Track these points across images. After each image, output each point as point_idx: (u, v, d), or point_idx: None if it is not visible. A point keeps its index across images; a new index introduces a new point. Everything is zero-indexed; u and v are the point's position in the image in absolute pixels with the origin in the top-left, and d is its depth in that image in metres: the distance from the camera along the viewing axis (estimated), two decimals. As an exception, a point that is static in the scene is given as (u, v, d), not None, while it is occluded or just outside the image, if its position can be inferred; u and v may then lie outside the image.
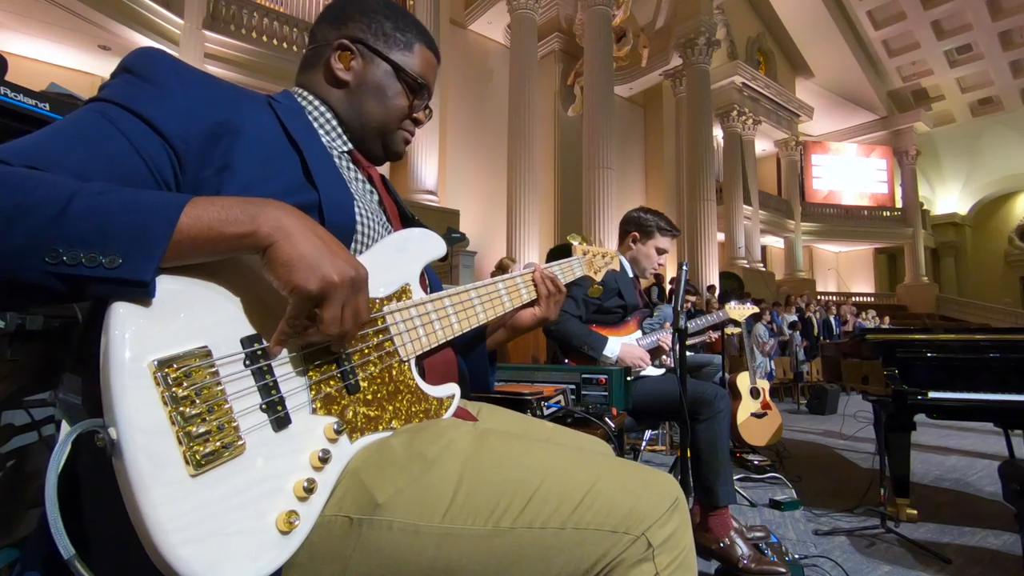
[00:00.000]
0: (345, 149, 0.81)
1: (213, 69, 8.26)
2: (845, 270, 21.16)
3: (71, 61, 7.89)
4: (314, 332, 0.55)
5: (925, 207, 19.95)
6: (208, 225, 0.49)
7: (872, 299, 18.00)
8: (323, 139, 0.77)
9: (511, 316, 0.98)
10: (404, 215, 0.88)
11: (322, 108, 0.80)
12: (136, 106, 0.57)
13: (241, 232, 0.51)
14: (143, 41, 7.52)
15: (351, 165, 0.82)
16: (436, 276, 0.90)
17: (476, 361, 0.96)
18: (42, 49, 7.73)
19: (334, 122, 0.80)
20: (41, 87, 1.21)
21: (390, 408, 0.66)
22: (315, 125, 0.77)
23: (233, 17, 8.70)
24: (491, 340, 1.01)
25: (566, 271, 1.06)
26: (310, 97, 0.80)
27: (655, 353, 2.13)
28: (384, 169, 9.37)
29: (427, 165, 10.25)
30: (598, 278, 1.18)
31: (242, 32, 8.67)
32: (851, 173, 19.40)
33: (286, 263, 0.51)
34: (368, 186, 0.83)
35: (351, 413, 0.61)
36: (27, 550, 0.56)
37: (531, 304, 0.97)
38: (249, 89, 0.72)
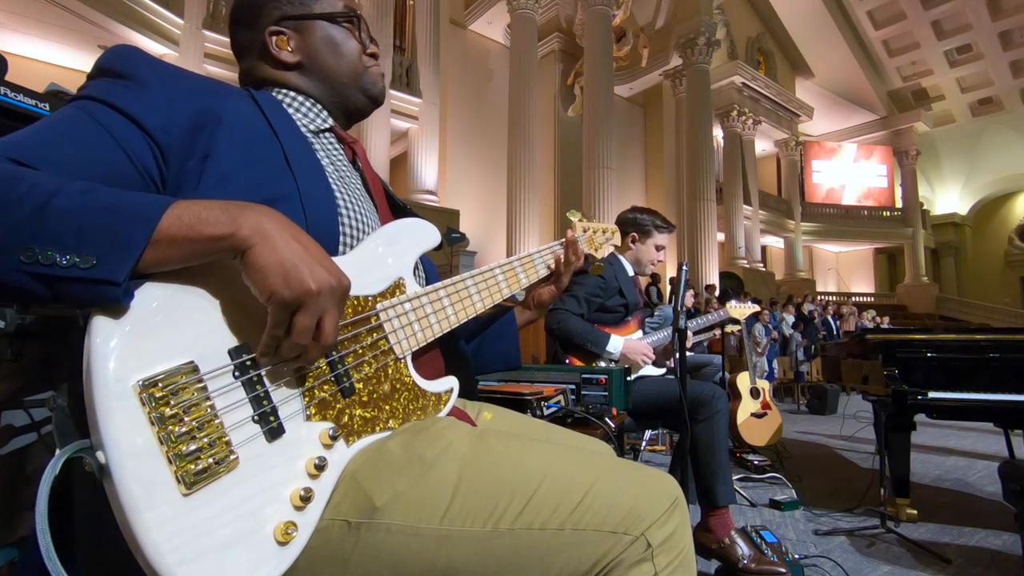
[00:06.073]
0: (327, 126, 0.80)
1: (213, 69, 8.26)
2: (845, 270, 21.15)
3: (71, 61, 7.89)
4: (287, 344, 0.52)
5: (925, 207, 19.94)
6: (188, 224, 0.48)
7: (872, 299, 17.97)
8: (304, 123, 0.77)
9: (533, 293, 1.05)
10: (389, 194, 0.88)
11: (293, 94, 0.80)
12: (117, 101, 0.57)
13: (220, 233, 0.49)
14: (143, 41, 7.52)
15: (334, 143, 0.81)
16: (433, 265, 0.89)
17: (505, 328, 1.04)
18: (42, 49, 7.73)
19: (308, 103, 0.80)
20: (41, 87, 1.21)
21: (387, 408, 0.65)
22: (290, 111, 0.77)
23: (233, 17, 8.69)
24: (520, 320, 1.07)
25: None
26: (281, 89, 0.80)
27: (666, 353, 2.11)
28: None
29: (427, 165, 10.25)
30: (599, 255, 1.16)
31: (242, 32, 8.64)
32: (851, 173, 19.40)
33: (263, 268, 0.50)
34: (352, 167, 0.82)
35: (347, 417, 0.60)
36: (26, 551, 0.56)
37: (544, 281, 1.01)
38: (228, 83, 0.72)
